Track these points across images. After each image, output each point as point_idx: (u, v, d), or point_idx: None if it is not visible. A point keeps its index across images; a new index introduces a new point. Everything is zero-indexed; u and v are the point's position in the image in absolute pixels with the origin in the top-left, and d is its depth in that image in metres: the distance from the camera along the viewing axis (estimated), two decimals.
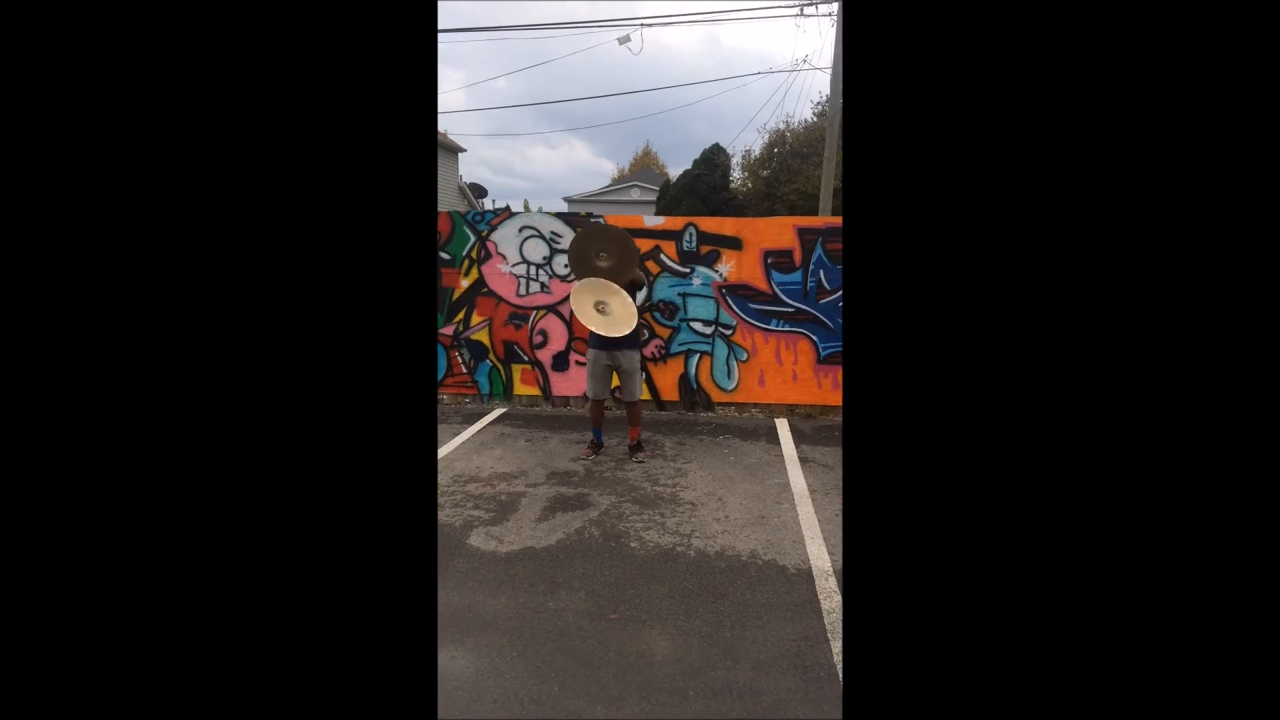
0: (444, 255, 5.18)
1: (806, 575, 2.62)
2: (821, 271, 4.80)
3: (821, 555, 2.77)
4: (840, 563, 2.70)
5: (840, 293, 4.79)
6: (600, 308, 3.81)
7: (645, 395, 5.03)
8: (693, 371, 5.05)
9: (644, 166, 33.76)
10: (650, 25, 10.02)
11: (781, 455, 4.07)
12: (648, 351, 5.01)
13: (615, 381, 4.05)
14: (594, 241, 3.93)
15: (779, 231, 4.84)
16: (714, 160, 18.35)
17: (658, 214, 9.98)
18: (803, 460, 3.96)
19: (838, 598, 2.44)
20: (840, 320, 4.81)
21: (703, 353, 5.02)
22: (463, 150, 20.04)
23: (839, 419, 4.83)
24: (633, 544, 2.91)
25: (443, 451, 4.15)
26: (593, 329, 3.80)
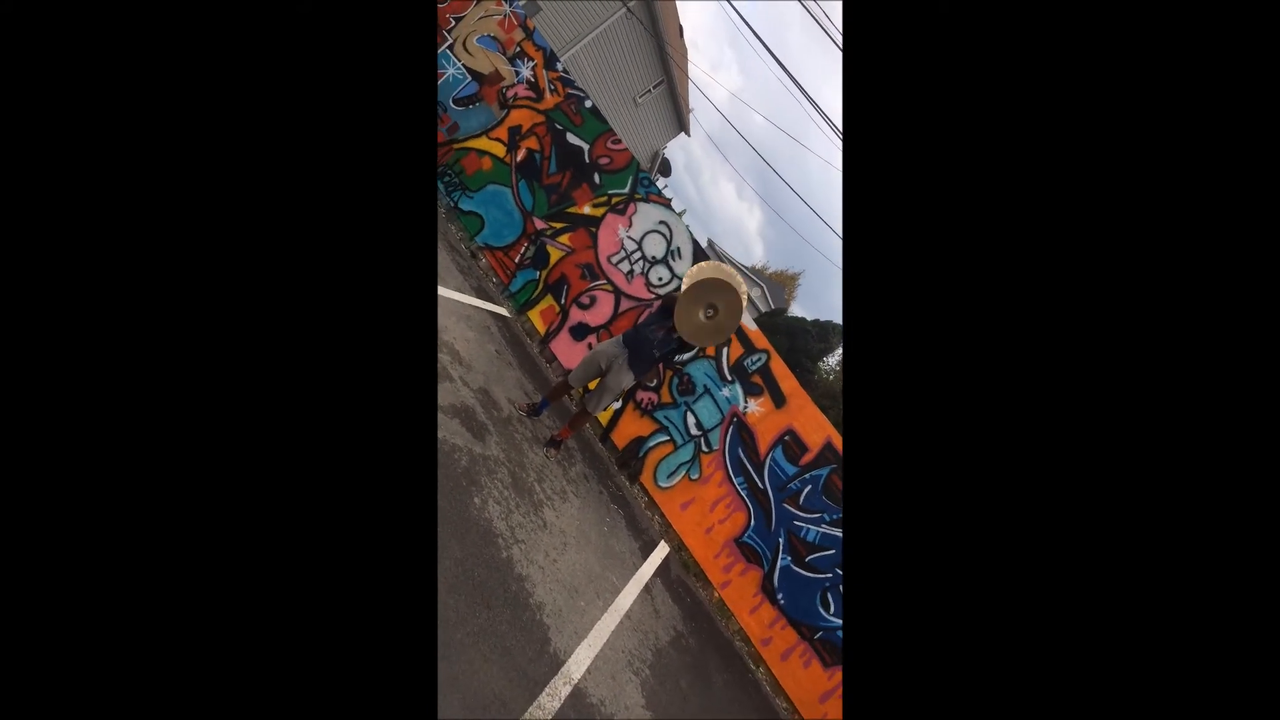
0: (596, 180, 5.27)
1: (555, 665, 2.53)
2: (809, 487, 4.76)
3: (581, 665, 2.68)
4: (584, 685, 2.61)
5: (813, 518, 4.73)
6: (708, 314, 3.47)
7: (603, 419, 4.99)
8: (649, 444, 5.00)
9: (781, 283, 34.23)
10: None
11: (638, 569, 3.98)
12: (640, 396, 4.99)
13: (593, 385, 4.00)
14: (708, 295, 3.46)
15: (816, 428, 4.83)
16: (828, 336, 18.52)
17: (756, 321, 10.11)
18: (645, 590, 3.86)
19: (555, 707, 2.35)
20: (783, 539, 4.75)
21: (671, 440, 4.98)
22: (687, 134, 20.50)
23: (703, 602, 4.73)
24: (475, 500, 2.84)
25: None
26: (686, 336, 3.50)
